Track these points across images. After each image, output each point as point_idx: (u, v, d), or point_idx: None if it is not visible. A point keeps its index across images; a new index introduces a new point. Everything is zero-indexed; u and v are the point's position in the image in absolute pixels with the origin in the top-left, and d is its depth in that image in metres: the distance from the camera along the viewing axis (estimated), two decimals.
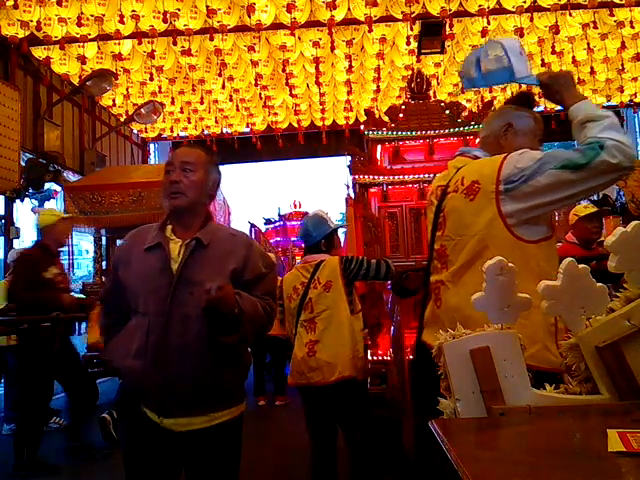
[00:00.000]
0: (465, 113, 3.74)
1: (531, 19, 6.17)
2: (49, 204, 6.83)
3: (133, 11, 5.65)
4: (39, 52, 6.62)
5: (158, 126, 9.45)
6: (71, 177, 7.48)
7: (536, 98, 1.76)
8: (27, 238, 6.44)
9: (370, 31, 6.30)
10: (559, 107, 1.56)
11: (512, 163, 1.44)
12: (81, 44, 6.37)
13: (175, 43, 6.48)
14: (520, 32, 6.38)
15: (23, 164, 6.47)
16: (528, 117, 1.65)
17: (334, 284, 2.51)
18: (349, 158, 3.56)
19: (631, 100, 9.34)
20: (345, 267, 2.54)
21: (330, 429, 2.63)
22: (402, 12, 6.05)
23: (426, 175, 3.49)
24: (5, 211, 6.45)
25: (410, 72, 6.12)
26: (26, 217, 6.72)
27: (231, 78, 7.64)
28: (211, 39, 6.24)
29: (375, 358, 3.28)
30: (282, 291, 2.66)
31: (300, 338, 2.57)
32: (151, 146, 11.29)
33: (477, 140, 1.86)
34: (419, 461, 2.13)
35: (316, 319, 2.52)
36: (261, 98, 8.71)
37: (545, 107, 8.87)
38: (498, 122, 1.66)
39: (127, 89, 8.02)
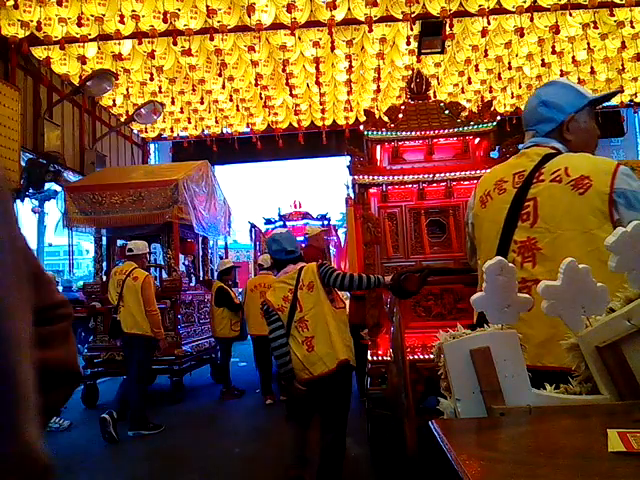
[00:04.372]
0: (465, 113, 3.74)
1: (531, 19, 6.17)
2: (49, 204, 6.82)
3: (133, 11, 5.66)
4: (39, 52, 6.62)
5: (158, 126, 9.45)
6: (71, 177, 7.47)
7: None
8: (27, 238, 6.43)
9: (370, 31, 6.30)
10: None
11: (625, 180, 1.39)
12: (81, 44, 6.37)
13: (175, 43, 6.49)
14: (520, 32, 6.38)
15: (23, 164, 6.48)
16: (588, 110, 1.58)
17: (315, 284, 2.80)
18: (349, 158, 3.56)
19: (631, 100, 9.35)
20: (320, 271, 2.83)
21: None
22: (402, 12, 6.05)
23: (426, 175, 3.49)
24: None
25: (410, 72, 6.13)
26: (26, 217, 6.72)
27: (231, 78, 7.64)
28: (211, 39, 6.24)
29: (375, 358, 3.27)
30: (272, 307, 2.80)
31: (295, 338, 2.76)
32: (151, 146, 11.29)
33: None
34: (420, 461, 2.13)
35: (306, 317, 2.76)
36: (261, 98, 8.72)
37: None
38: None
39: (127, 89, 8.02)
